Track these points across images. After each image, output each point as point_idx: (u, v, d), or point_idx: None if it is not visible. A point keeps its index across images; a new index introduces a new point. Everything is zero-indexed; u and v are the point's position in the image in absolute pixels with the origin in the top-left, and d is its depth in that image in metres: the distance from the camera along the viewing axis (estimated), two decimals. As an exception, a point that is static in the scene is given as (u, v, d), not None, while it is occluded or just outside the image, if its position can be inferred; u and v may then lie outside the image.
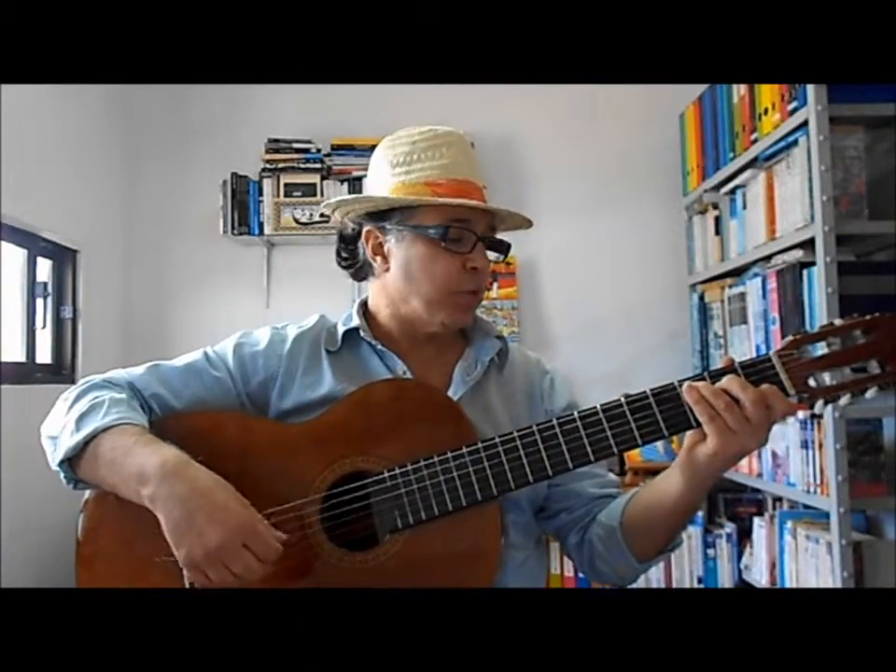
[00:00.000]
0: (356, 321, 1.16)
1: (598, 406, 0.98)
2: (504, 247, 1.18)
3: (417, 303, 1.12)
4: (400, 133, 1.15)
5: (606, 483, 1.17)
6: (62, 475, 1.03)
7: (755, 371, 0.95)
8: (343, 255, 1.21)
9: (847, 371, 0.94)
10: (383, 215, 1.13)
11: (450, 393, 1.12)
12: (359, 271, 1.20)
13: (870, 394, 0.94)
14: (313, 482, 1.03)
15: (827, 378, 0.95)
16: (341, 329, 1.16)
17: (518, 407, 1.16)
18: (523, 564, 1.10)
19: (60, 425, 1.04)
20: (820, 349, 0.96)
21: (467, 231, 1.10)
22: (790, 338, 0.96)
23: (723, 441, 0.92)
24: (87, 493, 1.07)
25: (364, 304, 1.21)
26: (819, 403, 0.95)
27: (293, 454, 1.05)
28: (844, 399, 0.94)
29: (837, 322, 0.96)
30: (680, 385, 0.95)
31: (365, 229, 1.16)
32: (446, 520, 1.00)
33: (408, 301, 1.13)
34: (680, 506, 1.02)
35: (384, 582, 0.99)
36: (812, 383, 0.95)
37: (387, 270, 1.14)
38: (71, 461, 1.01)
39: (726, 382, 0.93)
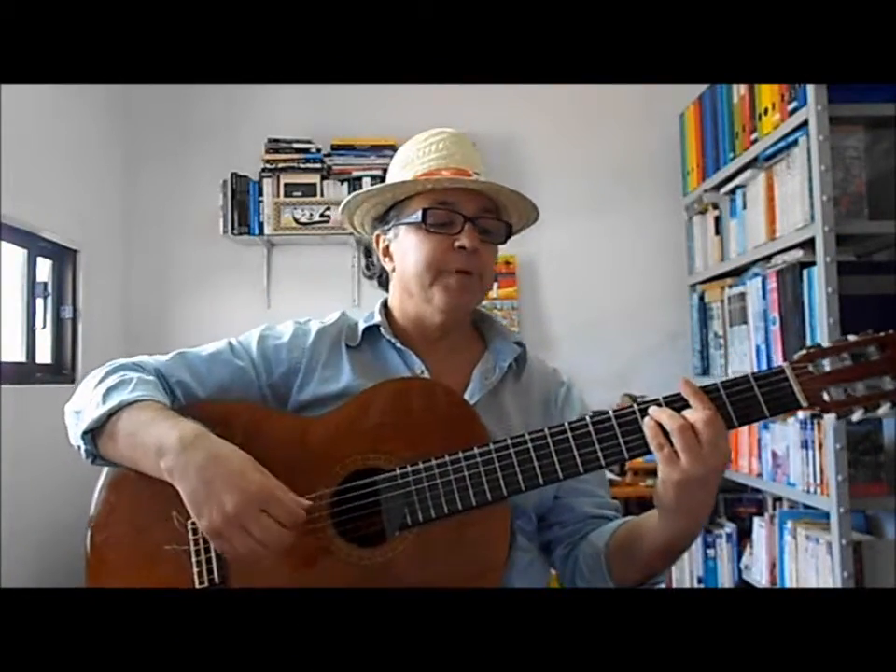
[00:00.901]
0: (377, 318, 1.18)
1: (611, 412, 0.98)
2: (501, 229, 1.15)
3: (416, 292, 1.14)
4: (407, 142, 1.20)
5: (604, 504, 1.17)
6: (82, 448, 1.04)
7: (768, 382, 0.95)
8: (367, 266, 1.27)
9: (860, 387, 0.94)
10: (383, 217, 1.18)
11: (467, 395, 1.13)
12: (380, 278, 1.25)
13: (883, 410, 0.94)
14: (324, 476, 1.03)
15: (840, 392, 0.94)
16: (362, 326, 1.18)
17: (533, 416, 1.16)
18: (528, 566, 1.10)
19: (86, 399, 1.05)
20: (833, 363, 0.95)
21: (453, 213, 1.11)
22: (803, 351, 0.96)
23: (668, 468, 0.92)
24: (101, 479, 1.08)
25: (385, 303, 1.23)
26: (832, 417, 0.95)
27: (306, 448, 1.05)
28: (857, 415, 0.94)
29: (851, 338, 0.96)
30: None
31: (374, 235, 1.21)
32: (456, 519, 1.00)
33: (410, 293, 1.15)
34: (657, 542, 1.01)
35: (392, 579, 0.99)
36: (825, 396, 0.94)
37: (394, 269, 1.18)
38: (94, 434, 1.02)
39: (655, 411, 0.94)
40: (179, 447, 0.95)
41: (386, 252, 1.19)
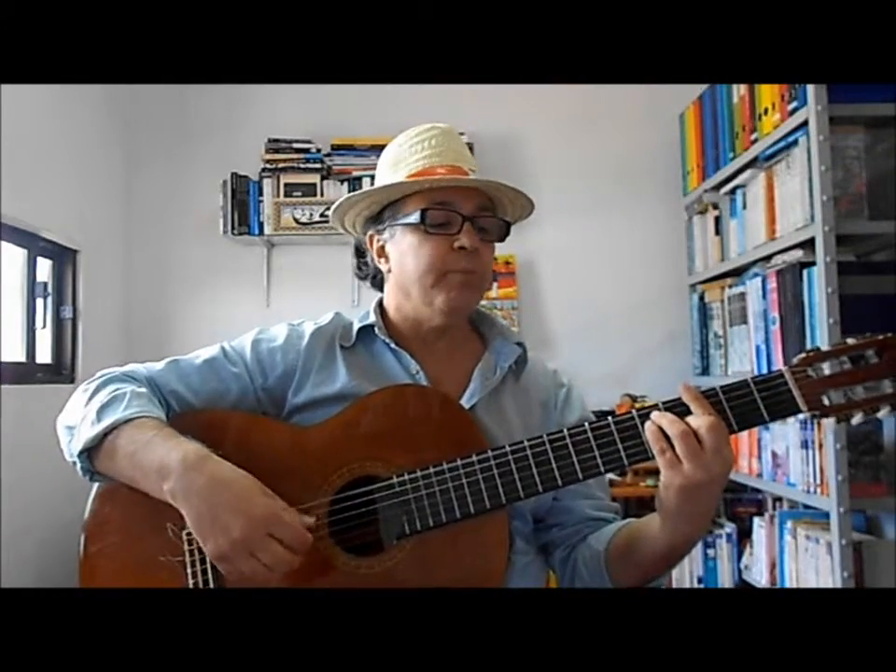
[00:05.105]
0: (372, 318, 1.17)
1: (610, 419, 0.98)
2: (499, 227, 1.13)
3: (416, 294, 1.12)
4: (395, 139, 1.18)
5: (603, 506, 1.16)
6: (78, 466, 1.03)
7: (768, 387, 0.94)
8: (360, 266, 1.25)
9: (859, 390, 0.94)
10: (378, 217, 1.17)
11: (467, 395, 1.12)
12: (374, 279, 1.24)
13: (882, 413, 0.93)
14: (321, 485, 1.02)
15: (840, 396, 0.94)
16: (356, 326, 1.17)
17: (532, 417, 1.16)
18: (525, 568, 1.09)
19: (79, 415, 1.04)
20: (832, 367, 0.95)
21: (451, 213, 1.09)
22: (802, 355, 0.96)
23: (671, 473, 0.91)
24: (93, 489, 1.07)
25: (380, 303, 1.22)
26: (831, 421, 0.95)
27: (302, 456, 1.04)
28: (856, 419, 0.94)
29: (850, 341, 0.95)
30: None
31: (367, 235, 1.19)
32: (454, 527, 0.99)
33: (409, 295, 1.14)
34: (658, 546, 1.01)
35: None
36: (825, 401, 0.94)
37: (390, 270, 1.17)
38: (89, 452, 1.01)
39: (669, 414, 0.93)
40: (182, 470, 0.94)
41: (381, 252, 1.17)
